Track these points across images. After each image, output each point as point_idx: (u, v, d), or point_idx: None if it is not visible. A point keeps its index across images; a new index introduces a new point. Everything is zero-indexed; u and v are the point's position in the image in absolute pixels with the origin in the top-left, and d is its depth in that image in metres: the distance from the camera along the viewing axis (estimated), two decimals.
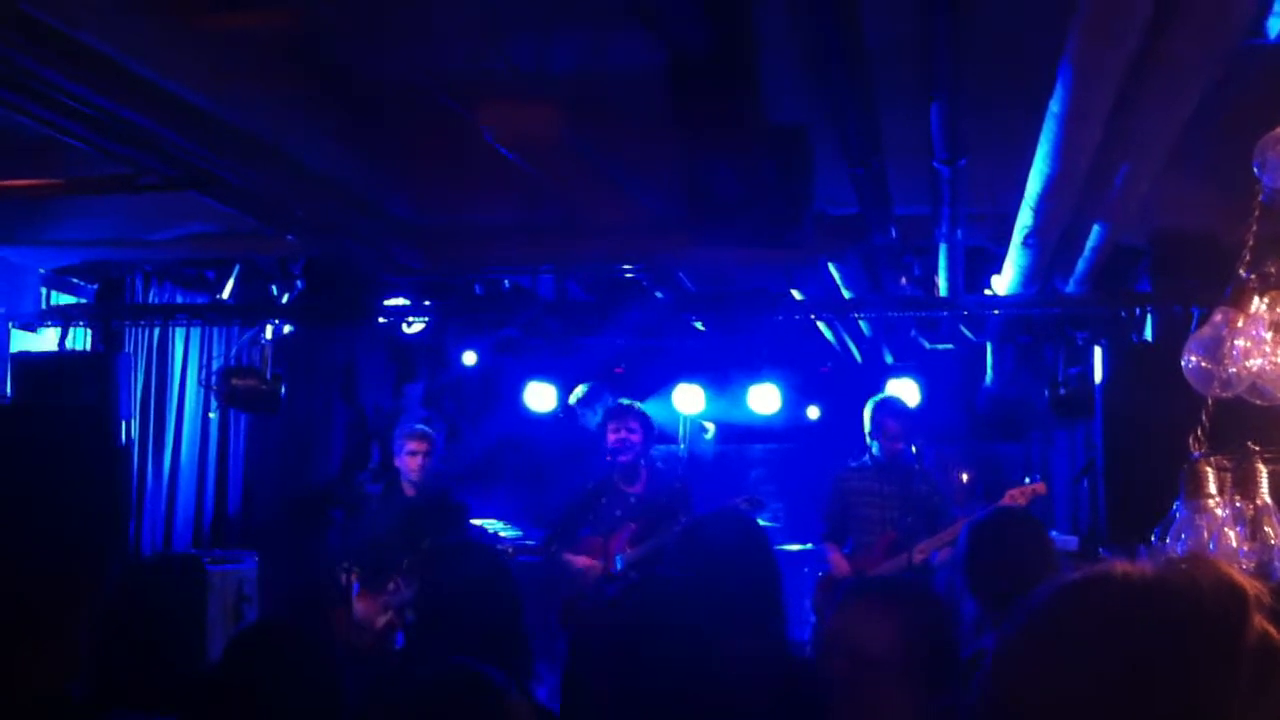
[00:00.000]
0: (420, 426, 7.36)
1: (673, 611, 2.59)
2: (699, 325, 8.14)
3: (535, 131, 4.74)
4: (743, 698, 2.58)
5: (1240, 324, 2.55)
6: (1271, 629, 1.06)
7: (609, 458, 7.01)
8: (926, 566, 6.56)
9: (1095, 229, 5.86)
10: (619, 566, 6.78)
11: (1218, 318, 2.62)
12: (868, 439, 7.00)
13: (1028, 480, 6.92)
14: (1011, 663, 1.11)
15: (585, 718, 2.52)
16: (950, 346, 9.10)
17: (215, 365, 7.88)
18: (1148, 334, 6.85)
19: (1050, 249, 6.03)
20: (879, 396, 7.32)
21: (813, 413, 10.10)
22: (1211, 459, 2.65)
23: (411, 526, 6.67)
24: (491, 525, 9.15)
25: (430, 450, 7.11)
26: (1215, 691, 1.01)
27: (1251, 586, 1.08)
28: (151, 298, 7.91)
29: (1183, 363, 2.65)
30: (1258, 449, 2.63)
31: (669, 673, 2.45)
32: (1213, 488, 2.62)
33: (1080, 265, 6.44)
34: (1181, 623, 1.05)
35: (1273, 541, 2.52)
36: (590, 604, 6.38)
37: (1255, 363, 2.54)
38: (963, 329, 8.00)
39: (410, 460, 7.09)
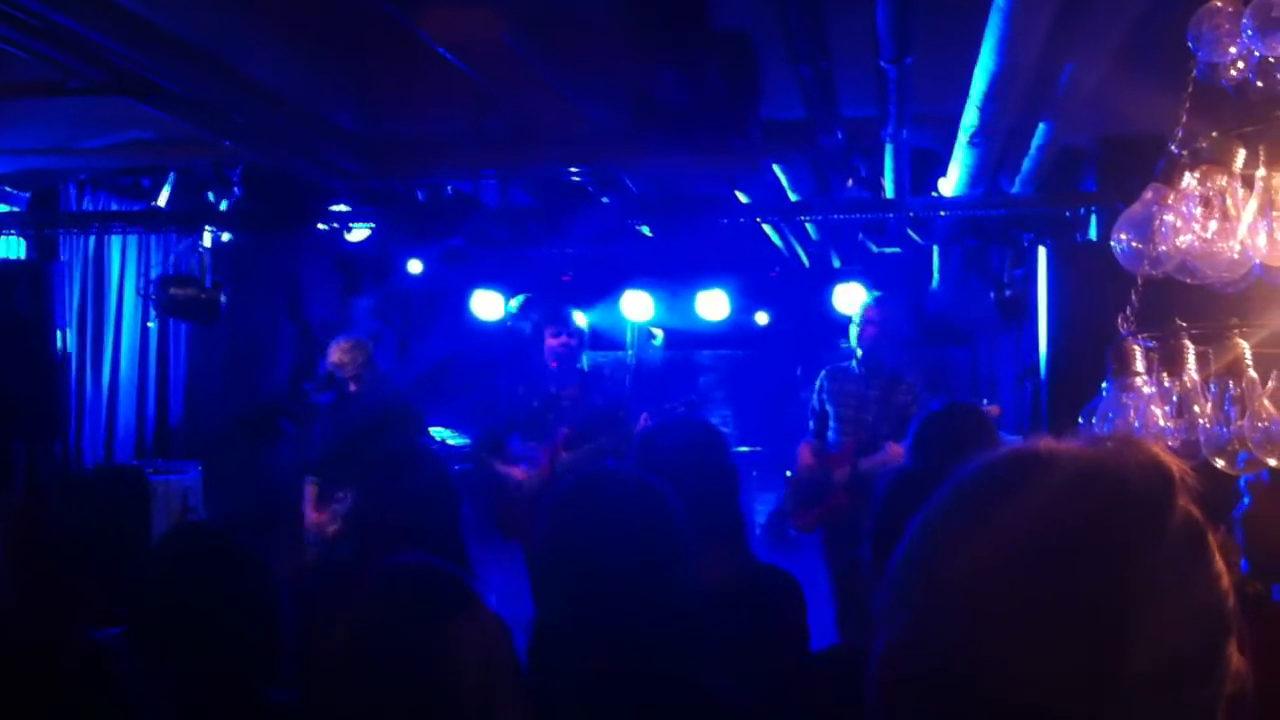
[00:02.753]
0: (345, 337, 7.24)
1: (633, 503, 2.57)
2: (646, 231, 8.08)
3: (477, 36, 4.64)
4: (702, 595, 2.58)
5: (1171, 200, 2.53)
6: (1195, 510, 1.06)
7: (553, 363, 6.97)
8: None
9: (1041, 128, 5.84)
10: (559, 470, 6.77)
11: (1148, 195, 2.60)
12: (853, 344, 6.99)
13: (985, 403, 6.92)
14: (933, 532, 1.09)
15: (552, 613, 2.52)
16: (898, 250, 9.10)
17: (153, 274, 7.75)
18: (1092, 234, 6.87)
19: (996, 148, 6.00)
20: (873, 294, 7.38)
21: (761, 318, 10.10)
22: (1139, 338, 2.64)
23: (360, 435, 6.62)
24: (440, 434, 9.13)
25: (360, 360, 7.01)
26: (1136, 569, 1.00)
27: (1178, 467, 1.07)
28: (86, 206, 7.74)
29: (1112, 242, 2.63)
30: (1185, 326, 2.63)
31: (630, 567, 2.44)
32: (1140, 366, 2.61)
33: (1026, 165, 6.43)
34: (1107, 499, 1.04)
35: (1199, 420, 2.53)
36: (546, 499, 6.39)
37: (1185, 239, 2.52)
38: (910, 232, 7.98)
39: (341, 371, 7.01)
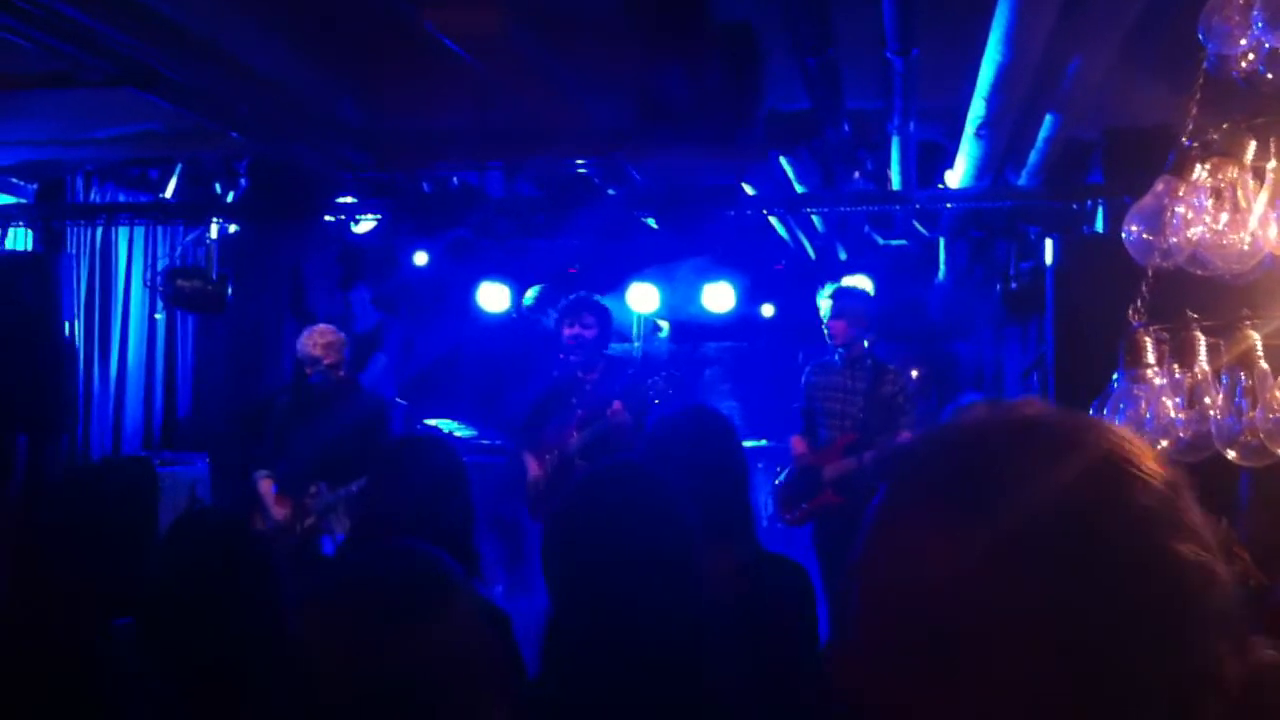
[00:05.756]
0: (321, 325, 6.87)
1: (641, 499, 2.57)
2: (651, 223, 8.07)
3: (481, 30, 4.63)
4: (710, 588, 2.58)
5: (1181, 192, 2.54)
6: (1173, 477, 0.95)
7: (562, 355, 6.95)
8: None
9: (1048, 120, 5.83)
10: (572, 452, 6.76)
11: (1159, 187, 2.60)
12: (829, 341, 6.93)
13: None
14: (883, 525, 0.96)
15: (562, 604, 2.52)
16: (904, 243, 9.09)
17: (160, 266, 7.75)
18: (1099, 226, 6.86)
19: (1003, 140, 6.00)
20: (833, 285, 7.23)
21: (767, 310, 10.10)
22: (1150, 329, 2.64)
23: (327, 429, 6.48)
24: (446, 425, 9.14)
25: (335, 349, 6.62)
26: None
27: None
28: (93, 198, 7.73)
29: (1123, 234, 2.63)
30: (1196, 318, 2.63)
31: (638, 563, 2.43)
32: (1151, 357, 2.62)
33: (1033, 158, 6.42)
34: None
35: (1210, 411, 2.54)
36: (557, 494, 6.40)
37: (1196, 231, 2.52)
38: (916, 224, 7.98)
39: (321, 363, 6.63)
